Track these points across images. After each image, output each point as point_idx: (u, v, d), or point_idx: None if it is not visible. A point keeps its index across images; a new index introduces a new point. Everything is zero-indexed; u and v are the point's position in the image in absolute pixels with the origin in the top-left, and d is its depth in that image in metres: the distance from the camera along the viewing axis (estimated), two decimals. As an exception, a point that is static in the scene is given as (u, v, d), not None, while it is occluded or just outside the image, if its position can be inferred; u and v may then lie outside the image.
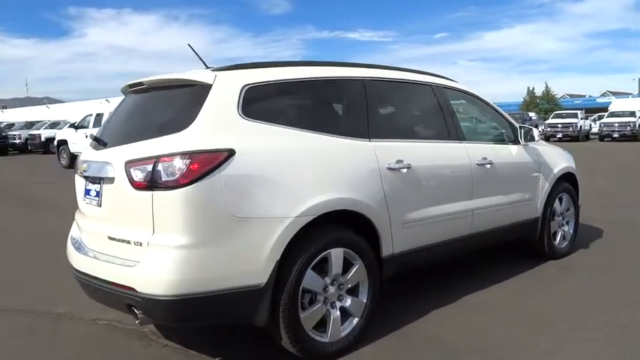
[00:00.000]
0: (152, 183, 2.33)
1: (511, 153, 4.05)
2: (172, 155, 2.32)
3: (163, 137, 2.43)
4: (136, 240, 2.39)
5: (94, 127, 14.88)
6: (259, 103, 2.65)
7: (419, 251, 3.24)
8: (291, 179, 2.56)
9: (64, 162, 16.06)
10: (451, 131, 3.59)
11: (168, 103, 2.76)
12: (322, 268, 2.69)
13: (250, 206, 2.41)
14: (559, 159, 4.58)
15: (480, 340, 2.92)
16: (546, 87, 52.95)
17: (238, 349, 2.96)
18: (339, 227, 2.76)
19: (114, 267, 2.45)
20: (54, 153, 18.01)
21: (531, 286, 3.84)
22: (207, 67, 3.01)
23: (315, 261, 2.63)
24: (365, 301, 2.88)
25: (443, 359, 2.74)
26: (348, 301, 2.81)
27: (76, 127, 15.63)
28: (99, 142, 2.84)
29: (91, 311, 3.47)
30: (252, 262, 2.41)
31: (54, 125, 25.57)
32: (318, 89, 3.00)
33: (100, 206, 2.67)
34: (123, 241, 2.46)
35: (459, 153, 3.57)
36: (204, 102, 2.49)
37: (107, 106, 16.49)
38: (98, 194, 2.70)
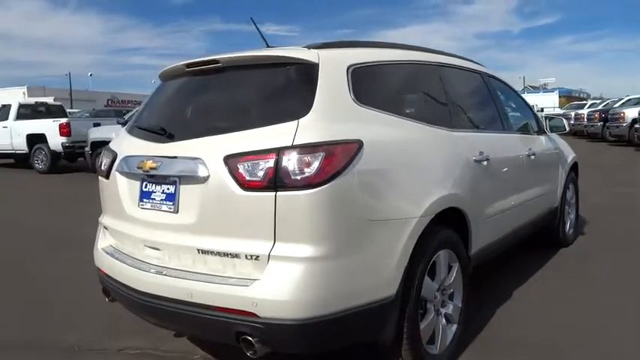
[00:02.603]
0: (274, 182, 1.88)
1: (543, 143, 4.04)
2: (300, 147, 1.89)
3: (276, 126, 1.97)
4: (248, 253, 1.93)
5: (17, 119, 12.95)
6: (366, 87, 2.28)
7: (488, 247, 3.07)
8: (412, 175, 2.25)
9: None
10: (504, 122, 3.48)
11: (260, 85, 2.26)
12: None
13: (381, 207, 2.06)
14: (569, 149, 4.69)
15: (570, 336, 2.81)
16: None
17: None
18: (442, 227, 2.49)
19: (215, 287, 1.96)
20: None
21: (572, 276, 3.83)
22: (269, 46, 2.57)
23: (429, 265, 2.35)
24: (460, 305, 2.64)
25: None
26: (450, 307, 2.56)
27: None
28: (162, 134, 2.27)
29: (108, 340, 2.90)
30: (383, 271, 2.07)
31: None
32: (414, 74, 2.70)
33: (177, 212, 2.14)
34: (225, 254, 1.98)
35: (515, 144, 3.48)
36: (315, 83, 2.07)
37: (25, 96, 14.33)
38: (171, 197, 2.17)
